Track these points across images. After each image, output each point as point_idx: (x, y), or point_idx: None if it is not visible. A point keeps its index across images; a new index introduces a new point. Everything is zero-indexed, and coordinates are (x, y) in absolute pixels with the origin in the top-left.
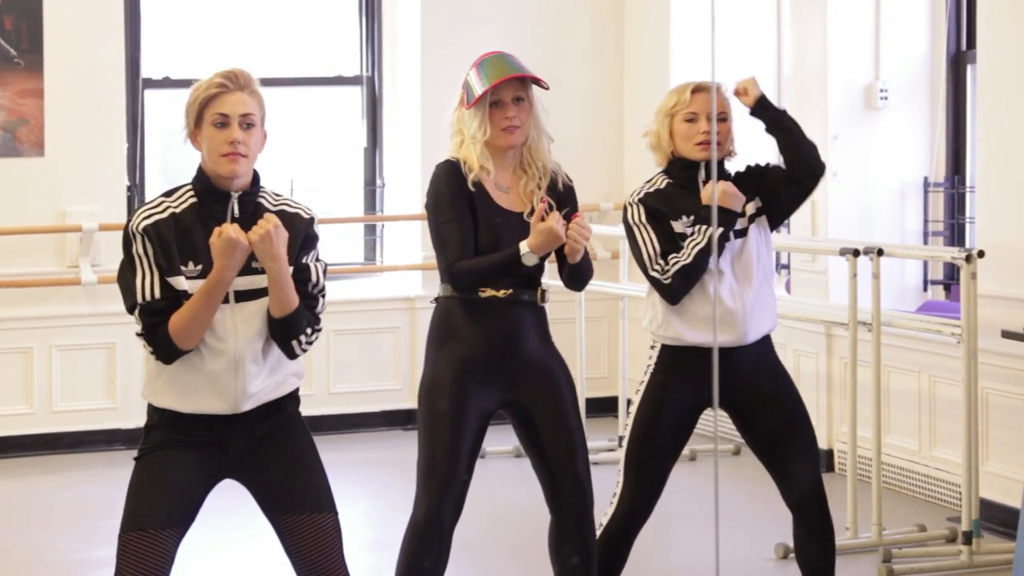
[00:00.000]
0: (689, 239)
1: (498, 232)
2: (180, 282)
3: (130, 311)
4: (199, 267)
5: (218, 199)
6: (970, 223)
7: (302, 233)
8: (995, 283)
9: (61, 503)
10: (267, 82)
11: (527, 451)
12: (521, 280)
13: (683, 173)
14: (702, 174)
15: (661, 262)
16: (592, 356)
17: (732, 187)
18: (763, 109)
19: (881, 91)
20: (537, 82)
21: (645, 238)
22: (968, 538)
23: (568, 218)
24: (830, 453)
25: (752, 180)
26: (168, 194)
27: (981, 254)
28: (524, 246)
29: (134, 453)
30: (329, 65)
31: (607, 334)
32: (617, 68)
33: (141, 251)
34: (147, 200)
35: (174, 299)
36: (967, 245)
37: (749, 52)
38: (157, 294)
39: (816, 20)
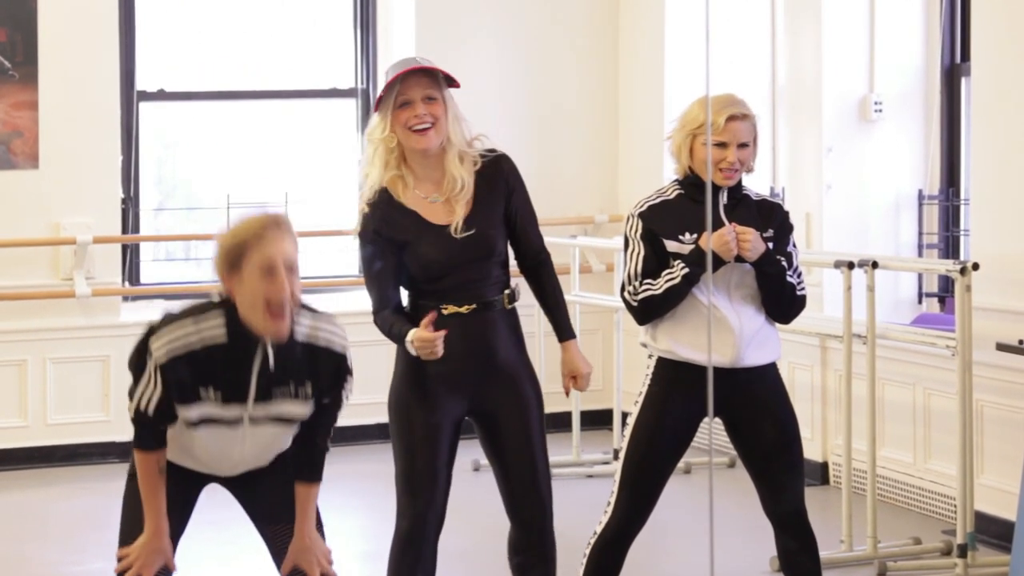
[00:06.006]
0: (667, 272)
1: (438, 249)
2: (190, 410)
3: (130, 396)
4: (219, 392)
5: (250, 344)
6: (965, 235)
7: (331, 370)
8: (990, 295)
9: (55, 516)
10: (262, 94)
11: (489, 460)
12: (487, 288)
13: (695, 188)
14: (723, 198)
15: (636, 283)
16: None
17: (732, 237)
18: (764, 264)
19: (875, 103)
20: (447, 77)
21: (633, 254)
22: (963, 551)
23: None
24: (825, 466)
25: (771, 216)
26: (197, 318)
27: (976, 266)
28: (410, 334)
29: (128, 466)
30: (324, 77)
31: (602, 347)
32: (611, 80)
33: (152, 372)
34: (175, 314)
35: (162, 424)
36: (962, 257)
37: (743, 64)
38: (151, 411)
39: (810, 32)
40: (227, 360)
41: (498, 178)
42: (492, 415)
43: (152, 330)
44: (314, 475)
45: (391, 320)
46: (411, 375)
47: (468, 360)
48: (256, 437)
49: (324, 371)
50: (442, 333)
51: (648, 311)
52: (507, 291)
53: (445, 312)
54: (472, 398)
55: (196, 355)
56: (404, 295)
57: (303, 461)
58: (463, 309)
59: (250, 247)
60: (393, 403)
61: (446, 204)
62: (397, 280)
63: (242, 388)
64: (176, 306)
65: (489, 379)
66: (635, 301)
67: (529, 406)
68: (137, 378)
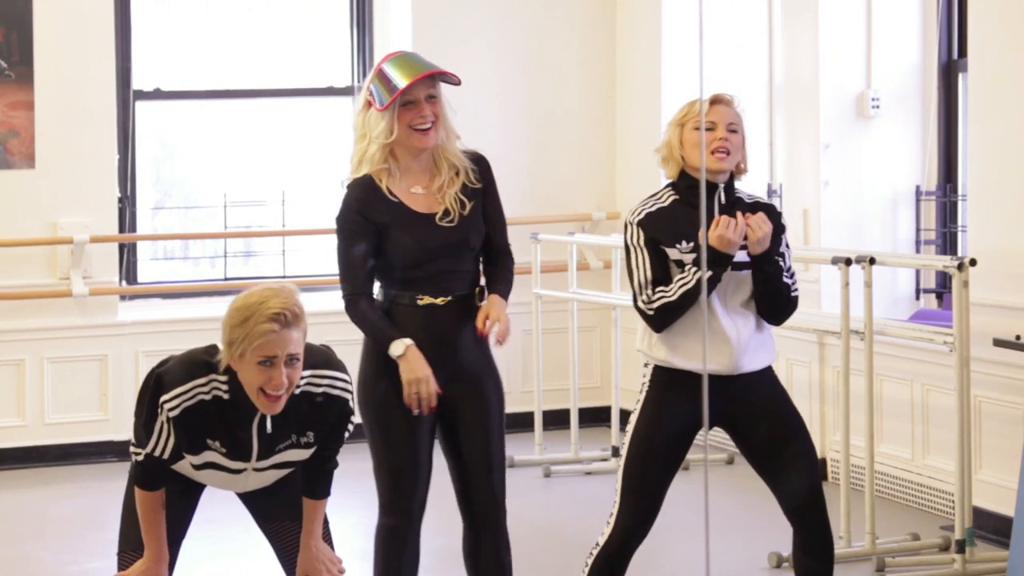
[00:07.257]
0: (679, 277)
1: (417, 236)
2: (196, 458)
3: (134, 448)
4: (224, 448)
5: (248, 409)
6: (962, 231)
7: (332, 416)
8: (987, 291)
9: (53, 515)
10: (258, 93)
11: (446, 455)
12: (462, 282)
13: (691, 191)
14: (720, 197)
15: (649, 292)
16: (585, 366)
17: (733, 232)
18: (764, 262)
19: (873, 100)
20: (449, 77)
21: (639, 262)
22: (961, 547)
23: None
24: (823, 462)
25: (767, 217)
26: (202, 379)
27: (973, 262)
28: (400, 346)
29: (126, 465)
30: (320, 76)
31: (600, 344)
32: (609, 77)
33: (164, 422)
34: (179, 371)
35: (171, 464)
36: (959, 253)
37: (741, 62)
38: (167, 455)
39: (808, 29)
40: (230, 416)
41: (479, 176)
42: (453, 412)
43: (160, 381)
44: (322, 492)
45: (373, 317)
46: (383, 369)
47: (434, 350)
48: (260, 478)
49: (325, 418)
50: (434, 386)
51: (665, 318)
52: (477, 288)
53: (420, 303)
54: (443, 389)
55: (207, 405)
56: (376, 287)
57: (311, 480)
58: (439, 301)
59: (254, 337)
60: (367, 398)
61: (429, 195)
62: (372, 267)
63: (245, 447)
64: (180, 355)
65: (453, 374)
66: (651, 310)
67: (489, 405)
68: (145, 424)
